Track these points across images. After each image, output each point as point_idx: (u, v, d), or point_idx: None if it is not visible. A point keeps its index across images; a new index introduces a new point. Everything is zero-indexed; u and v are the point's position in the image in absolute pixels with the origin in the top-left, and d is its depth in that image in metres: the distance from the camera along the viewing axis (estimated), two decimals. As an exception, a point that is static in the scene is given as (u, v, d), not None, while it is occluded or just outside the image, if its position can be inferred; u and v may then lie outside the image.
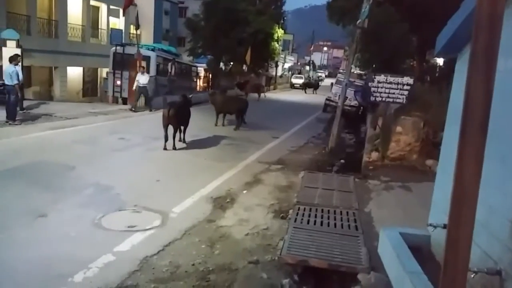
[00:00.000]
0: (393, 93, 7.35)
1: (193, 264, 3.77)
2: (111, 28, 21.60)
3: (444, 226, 2.69)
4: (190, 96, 10.32)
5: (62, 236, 4.15)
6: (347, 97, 12.51)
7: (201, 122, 11.86)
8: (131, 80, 14.94)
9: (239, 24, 27.16)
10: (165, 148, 8.46)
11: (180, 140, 9.13)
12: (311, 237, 3.88)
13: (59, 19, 20.61)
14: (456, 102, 3.34)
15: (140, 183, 6.17)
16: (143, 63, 15.00)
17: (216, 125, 12.41)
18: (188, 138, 9.45)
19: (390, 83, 7.32)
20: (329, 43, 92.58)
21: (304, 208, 4.78)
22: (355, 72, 22.08)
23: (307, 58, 68.62)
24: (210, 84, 25.40)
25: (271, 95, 30.01)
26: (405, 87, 7.31)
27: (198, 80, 25.89)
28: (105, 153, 7.94)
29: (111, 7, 24.33)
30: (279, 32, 32.12)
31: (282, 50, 41.99)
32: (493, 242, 2.41)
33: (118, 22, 25.08)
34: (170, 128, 8.51)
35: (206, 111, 13.28)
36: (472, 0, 2.05)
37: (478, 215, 1.42)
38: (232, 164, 7.82)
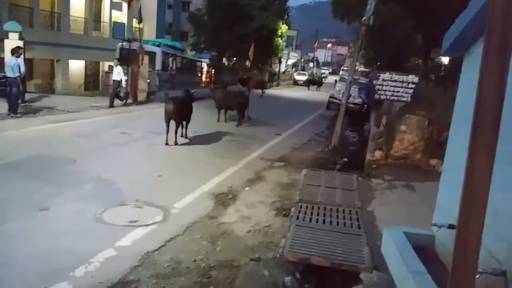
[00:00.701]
0: (398, 91, 7.32)
1: (194, 260, 3.76)
2: (113, 22, 21.51)
3: (449, 226, 2.67)
4: (193, 91, 10.27)
5: (63, 230, 4.14)
6: (351, 95, 12.46)
7: (203, 117, 11.84)
8: (134, 74, 14.91)
9: (242, 20, 27.04)
10: (166, 143, 8.44)
11: (182, 136, 9.11)
12: (313, 235, 3.85)
13: (61, 11, 20.57)
14: (462, 101, 3.31)
15: (141, 178, 6.16)
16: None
17: (218, 120, 12.39)
18: (190, 134, 9.43)
19: (395, 81, 7.29)
20: (333, 40, 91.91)
21: (307, 206, 4.75)
22: (359, 69, 22.01)
23: (311, 55, 68.42)
24: (212, 80, 25.31)
25: (274, 91, 29.90)
26: (410, 85, 7.28)
27: (201, 75, 25.86)
28: (107, 147, 7.93)
29: (114, 0, 24.23)
30: (283, 28, 31.94)
31: (286, 46, 41.78)
32: (498, 243, 2.39)
33: (121, 16, 25.01)
34: (172, 123, 8.49)
35: (208, 107, 13.24)
36: (483, -2, 2.02)
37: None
38: (234, 160, 7.80)
